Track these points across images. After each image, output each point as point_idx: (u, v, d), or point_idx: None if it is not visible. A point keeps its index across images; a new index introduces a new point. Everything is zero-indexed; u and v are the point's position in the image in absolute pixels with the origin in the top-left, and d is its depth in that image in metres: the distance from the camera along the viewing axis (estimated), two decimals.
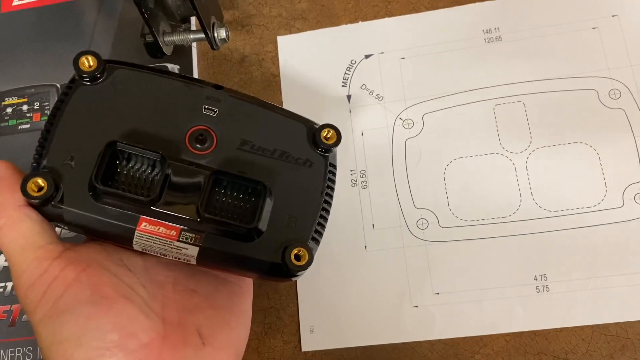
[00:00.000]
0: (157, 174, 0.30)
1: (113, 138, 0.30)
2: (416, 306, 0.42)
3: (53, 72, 0.51)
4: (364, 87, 0.48)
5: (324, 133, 0.33)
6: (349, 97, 0.47)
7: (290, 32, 0.50)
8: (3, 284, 0.47)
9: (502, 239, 0.43)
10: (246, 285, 0.33)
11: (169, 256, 0.30)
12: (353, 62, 0.48)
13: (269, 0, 0.51)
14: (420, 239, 0.44)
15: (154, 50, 0.44)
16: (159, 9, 0.44)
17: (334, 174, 0.33)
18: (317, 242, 0.31)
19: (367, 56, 0.48)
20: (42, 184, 0.28)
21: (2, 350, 0.45)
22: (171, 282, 0.31)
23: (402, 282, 0.43)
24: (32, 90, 0.51)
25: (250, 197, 0.31)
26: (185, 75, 0.33)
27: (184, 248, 0.29)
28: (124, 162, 0.30)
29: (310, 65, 0.49)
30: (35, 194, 0.28)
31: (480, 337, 0.41)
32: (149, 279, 0.30)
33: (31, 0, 0.54)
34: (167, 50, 0.45)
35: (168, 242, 0.29)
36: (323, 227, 0.31)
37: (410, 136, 0.46)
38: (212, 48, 0.44)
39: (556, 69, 0.45)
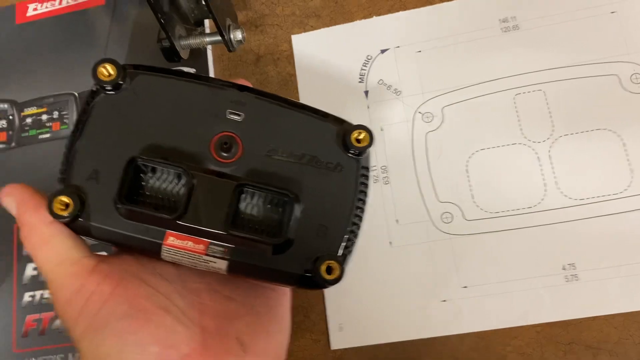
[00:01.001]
0: (182, 186, 0.30)
1: (135, 152, 0.29)
2: (444, 300, 0.42)
3: (70, 81, 0.52)
4: (381, 82, 0.47)
5: (355, 135, 0.31)
6: (366, 92, 0.47)
7: (305, 31, 0.50)
8: (32, 293, 0.47)
9: (528, 230, 0.43)
10: (283, 290, 0.33)
11: (199, 268, 0.30)
12: (369, 57, 0.48)
13: None
14: (446, 232, 0.43)
15: (171, 54, 0.44)
16: (174, 13, 0.44)
17: (367, 178, 0.31)
18: (350, 251, 0.30)
19: (382, 51, 0.48)
20: (68, 202, 0.28)
21: (34, 359, 0.46)
22: (206, 290, 0.31)
23: (429, 277, 0.43)
24: (51, 99, 0.51)
25: (278, 207, 0.30)
26: (208, 77, 0.33)
27: (212, 262, 0.29)
28: (149, 175, 0.30)
29: (326, 63, 0.49)
30: (61, 213, 0.28)
31: (511, 329, 0.41)
32: (184, 287, 0.30)
33: (45, 10, 0.54)
34: (184, 54, 0.45)
35: (196, 256, 0.29)
36: (355, 235, 0.30)
37: (431, 129, 0.46)
38: (229, 50, 0.44)
39: (576, 56, 0.45)
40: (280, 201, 0.30)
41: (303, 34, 0.50)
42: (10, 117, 0.51)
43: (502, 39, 0.46)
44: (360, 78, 0.48)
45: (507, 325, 0.41)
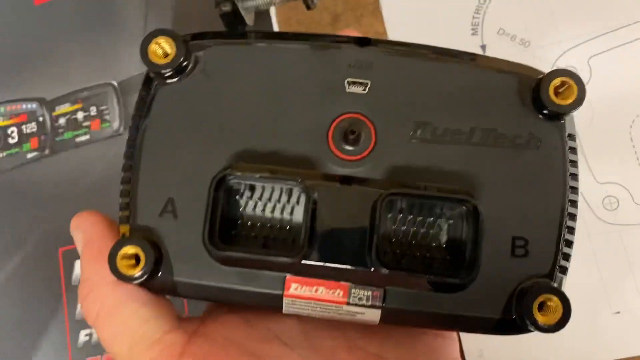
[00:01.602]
0: (297, 206, 0.21)
1: (222, 164, 0.20)
2: (618, 312, 0.33)
3: (106, 68, 0.43)
4: (501, 32, 0.38)
5: (555, 85, 0.20)
6: (483, 47, 0.38)
7: None
8: (88, 331, 0.40)
9: None
10: (449, 336, 0.23)
11: (337, 319, 0.21)
12: (482, 1, 0.38)
13: None
14: (611, 223, 0.35)
15: (233, 20, 0.34)
16: None
17: (576, 152, 0.21)
18: (566, 273, 0.20)
19: None
20: (138, 253, 0.20)
21: None
22: (344, 348, 0.21)
23: (594, 282, 0.34)
24: (85, 93, 0.43)
25: (445, 222, 0.21)
26: (307, 34, 0.23)
27: (358, 313, 0.20)
28: (246, 196, 0.21)
29: (426, 14, 0.39)
30: (131, 272, 0.20)
31: None
32: (315, 350, 0.21)
33: None
34: (249, 20, 0.35)
35: (333, 308, 0.20)
36: (571, 245, 0.21)
37: None
38: (308, 8, 0.34)
39: None
40: (449, 210, 0.20)
41: None
42: (40, 119, 0.43)
43: None
44: (473, 29, 0.38)
45: None
